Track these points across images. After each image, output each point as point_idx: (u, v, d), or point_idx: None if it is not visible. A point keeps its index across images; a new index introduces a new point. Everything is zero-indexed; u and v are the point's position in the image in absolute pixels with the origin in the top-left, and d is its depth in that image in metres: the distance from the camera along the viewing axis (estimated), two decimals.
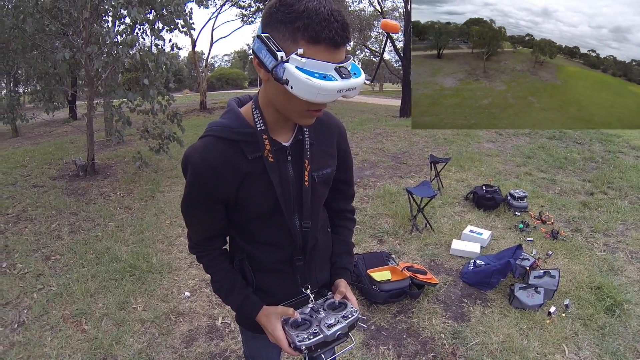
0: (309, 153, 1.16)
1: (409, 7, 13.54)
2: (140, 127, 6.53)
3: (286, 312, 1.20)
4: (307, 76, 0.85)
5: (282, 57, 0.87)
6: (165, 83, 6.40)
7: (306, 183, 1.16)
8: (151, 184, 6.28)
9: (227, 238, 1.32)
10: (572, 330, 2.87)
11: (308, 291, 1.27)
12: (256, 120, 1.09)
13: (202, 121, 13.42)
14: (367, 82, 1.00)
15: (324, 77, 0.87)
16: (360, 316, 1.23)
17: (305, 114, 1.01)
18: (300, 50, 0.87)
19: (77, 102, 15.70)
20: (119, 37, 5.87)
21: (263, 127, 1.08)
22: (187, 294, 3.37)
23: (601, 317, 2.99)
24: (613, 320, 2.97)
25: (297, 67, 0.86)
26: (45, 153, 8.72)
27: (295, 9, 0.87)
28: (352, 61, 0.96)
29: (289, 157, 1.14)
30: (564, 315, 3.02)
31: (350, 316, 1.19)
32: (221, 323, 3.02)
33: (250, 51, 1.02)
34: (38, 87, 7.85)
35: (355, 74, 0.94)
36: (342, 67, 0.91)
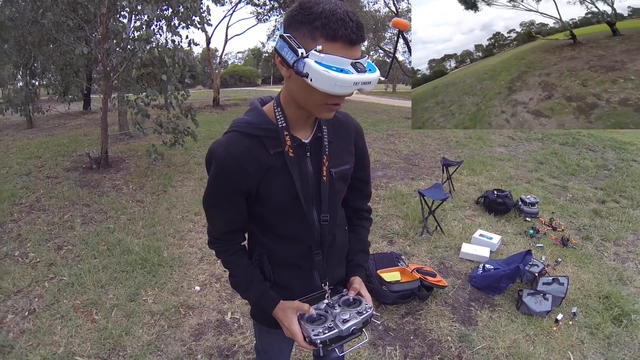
0: (327, 150, 1.21)
1: None
2: (154, 121, 6.59)
3: (302, 307, 1.23)
4: (325, 69, 0.92)
5: (302, 53, 0.94)
6: (180, 78, 6.45)
7: (324, 178, 1.21)
8: (163, 179, 6.34)
9: (246, 235, 1.36)
10: (578, 339, 2.86)
11: (326, 287, 1.30)
12: (278, 117, 1.15)
13: (215, 117, 13.49)
14: (382, 78, 1.06)
15: (341, 70, 0.94)
16: (374, 313, 1.25)
17: (325, 107, 1.06)
18: (319, 47, 0.94)
19: (92, 96, 15.83)
20: (136, 32, 5.92)
21: (284, 124, 1.15)
22: (197, 288, 3.41)
23: (608, 327, 2.97)
24: (620, 330, 2.96)
25: (316, 62, 0.93)
26: (59, 145, 8.81)
27: (314, 11, 0.95)
28: (368, 60, 1.02)
29: (308, 153, 1.20)
30: (571, 323, 3.01)
31: (364, 312, 1.22)
32: (230, 318, 3.05)
33: (265, 48, 1.06)
34: (53, 81, 7.93)
35: (370, 70, 1.00)
36: (358, 62, 0.97)
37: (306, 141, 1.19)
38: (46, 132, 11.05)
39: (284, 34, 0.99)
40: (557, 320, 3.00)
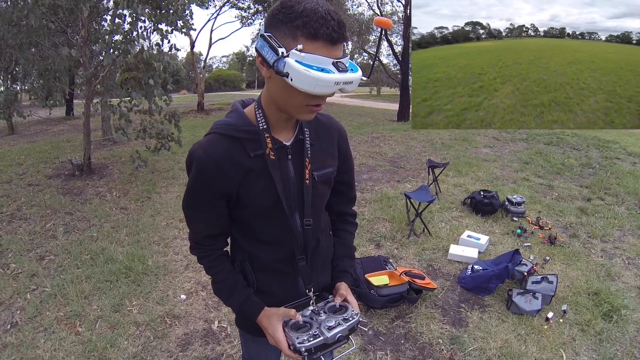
0: (309, 152, 1.19)
1: (408, 11, 13.58)
2: (137, 127, 6.49)
3: (288, 313, 1.20)
4: (306, 68, 0.90)
5: (282, 52, 0.93)
6: (163, 83, 6.37)
7: (307, 181, 1.18)
8: (147, 185, 6.25)
9: (228, 240, 1.32)
10: (569, 336, 2.86)
11: (311, 293, 1.27)
12: (259, 119, 1.13)
13: (199, 122, 13.40)
14: (364, 78, 1.04)
15: (322, 69, 0.92)
16: (361, 319, 1.22)
17: (305, 109, 1.04)
18: (300, 46, 0.92)
19: (75, 101, 15.63)
20: (118, 36, 5.84)
21: (265, 126, 1.12)
22: (183, 296, 3.34)
23: (598, 323, 2.99)
24: (610, 325, 2.97)
25: (296, 61, 0.91)
26: (41, 151, 8.66)
27: (295, 10, 0.93)
28: (349, 60, 1.00)
29: (290, 156, 1.17)
30: (561, 320, 3.01)
31: (350, 319, 1.19)
32: (217, 327, 2.99)
33: (250, 52, 1.03)
34: (35, 85, 7.78)
35: (352, 69, 0.98)
36: (340, 62, 0.95)
37: (287, 143, 1.16)
38: (27, 139, 10.88)
39: (265, 33, 0.97)
40: (547, 319, 3.00)
